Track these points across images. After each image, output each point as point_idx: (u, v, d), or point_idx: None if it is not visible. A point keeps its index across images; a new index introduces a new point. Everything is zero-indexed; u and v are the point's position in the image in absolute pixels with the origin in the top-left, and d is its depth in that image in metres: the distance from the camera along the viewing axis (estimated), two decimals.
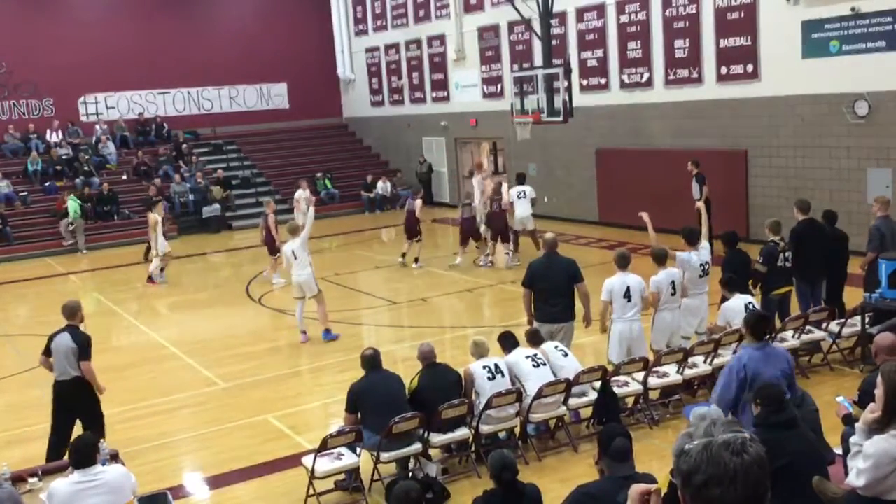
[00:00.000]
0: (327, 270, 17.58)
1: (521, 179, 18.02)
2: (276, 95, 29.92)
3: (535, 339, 8.57)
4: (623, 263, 9.27)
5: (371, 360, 7.64)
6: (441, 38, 25.51)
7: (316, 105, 30.01)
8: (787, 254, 10.17)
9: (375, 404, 7.36)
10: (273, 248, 16.19)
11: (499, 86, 23.36)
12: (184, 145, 27.40)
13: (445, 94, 25.85)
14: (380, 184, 27.12)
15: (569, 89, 17.02)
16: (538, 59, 19.99)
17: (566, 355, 8.51)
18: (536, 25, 18.45)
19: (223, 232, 24.49)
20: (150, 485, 7.15)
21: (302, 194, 18.76)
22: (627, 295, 9.05)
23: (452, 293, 15.11)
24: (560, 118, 16.79)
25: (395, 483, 6.49)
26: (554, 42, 19.00)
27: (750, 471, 1.97)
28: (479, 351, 8.09)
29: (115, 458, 6.67)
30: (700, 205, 12.16)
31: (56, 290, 18.20)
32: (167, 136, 27.62)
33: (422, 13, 26.18)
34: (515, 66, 21.19)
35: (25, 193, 24.09)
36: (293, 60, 29.14)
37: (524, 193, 17.26)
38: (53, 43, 25.60)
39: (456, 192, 26.41)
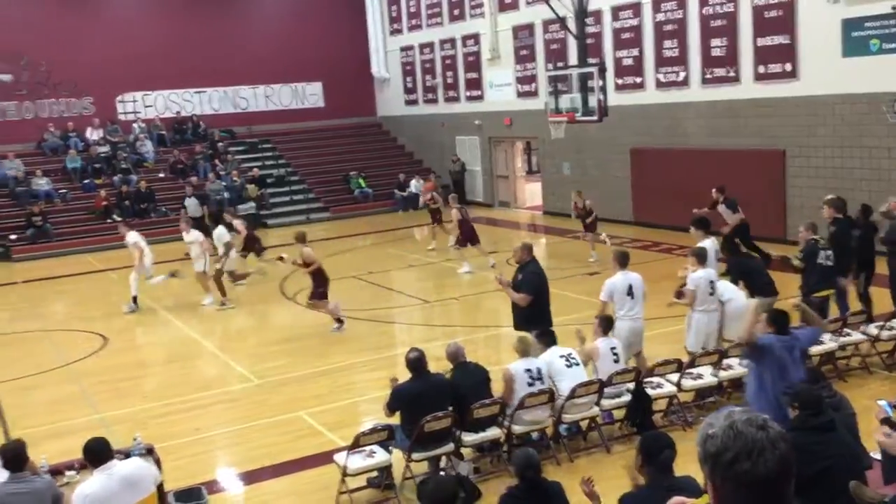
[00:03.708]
0: (360, 269, 17.68)
1: (217, 220, 17.78)
2: (311, 94, 30.11)
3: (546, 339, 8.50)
4: (623, 261, 9.27)
5: (417, 364, 7.51)
6: (475, 37, 25.49)
7: (350, 104, 30.15)
8: (828, 252, 10.01)
9: (419, 410, 7.28)
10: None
11: (533, 85, 23.28)
12: (220, 144, 27.70)
13: (479, 93, 25.83)
14: (413, 182, 27.17)
15: (604, 88, 16.90)
16: (573, 57, 19.89)
17: (616, 361, 8.43)
18: (571, 24, 18.35)
19: (258, 230, 24.63)
20: (185, 479, 7.22)
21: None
22: (630, 292, 9.01)
23: (484, 292, 15.08)
24: (595, 117, 16.69)
25: (428, 480, 6.49)
26: (589, 41, 18.88)
27: (777, 444, 2.02)
28: (524, 348, 7.97)
29: (150, 452, 6.76)
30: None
31: (94, 286, 18.49)
32: (203, 135, 27.92)
33: (456, 12, 26.19)
34: (550, 65, 21.11)
35: (65, 191, 24.49)
36: (328, 60, 29.30)
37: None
38: (93, 42, 26.00)
39: (489, 191, 26.38)
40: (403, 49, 29.27)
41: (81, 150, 25.79)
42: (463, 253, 16.99)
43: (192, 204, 21.51)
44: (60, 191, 24.42)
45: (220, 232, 15.73)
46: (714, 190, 15.15)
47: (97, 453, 5.75)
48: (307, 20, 29.25)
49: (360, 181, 27.23)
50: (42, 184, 24.23)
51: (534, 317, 9.17)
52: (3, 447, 6.00)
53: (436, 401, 7.38)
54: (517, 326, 9.34)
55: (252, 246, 17.48)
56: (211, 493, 7.10)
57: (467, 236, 16.99)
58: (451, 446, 7.50)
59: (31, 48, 25.40)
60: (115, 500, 5.58)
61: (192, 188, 23.68)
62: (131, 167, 25.72)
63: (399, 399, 7.41)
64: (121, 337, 13.66)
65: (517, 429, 7.82)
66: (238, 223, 17.50)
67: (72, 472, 6.46)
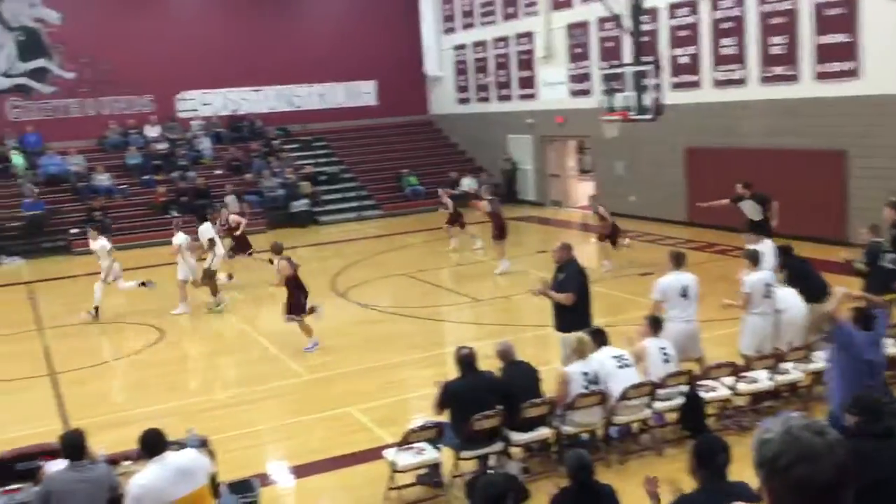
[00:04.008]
0: (411, 267, 17.75)
1: (203, 218, 16.67)
2: (364, 93, 30.32)
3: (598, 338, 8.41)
4: (679, 262, 9.11)
5: (467, 361, 7.52)
6: (529, 36, 25.39)
7: (403, 102, 30.29)
8: (893, 255, 9.74)
9: (468, 407, 7.27)
10: None
11: (586, 83, 23.11)
12: (275, 141, 28.06)
13: (532, 91, 25.73)
14: (465, 181, 27.18)
15: (659, 86, 16.70)
16: (628, 55, 19.71)
17: (667, 361, 8.33)
18: (627, 22, 18.17)
19: (310, 226, 24.95)
20: (237, 472, 7.32)
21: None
22: (685, 294, 8.86)
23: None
24: (649, 116, 16.50)
25: (478, 478, 6.49)
26: (644, 38, 18.67)
27: (835, 449, 1.99)
28: (582, 349, 7.90)
29: (204, 444, 6.88)
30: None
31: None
32: (259, 133, 28.32)
33: (510, 10, 26.12)
34: (604, 63, 20.93)
35: (125, 186, 25.05)
36: (382, 58, 29.48)
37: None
38: (154, 42, 26.54)
39: (541, 190, 26.27)
40: (456, 48, 29.30)
41: (141, 147, 26.36)
42: (502, 248, 16.74)
43: (230, 201, 21.68)
44: (120, 186, 24.99)
45: (204, 228, 15.78)
46: (739, 185, 14.56)
47: (152, 444, 5.87)
48: (362, 20, 29.46)
49: (412, 179, 27.34)
50: (103, 179, 24.83)
51: (576, 317, 9.03)
52: (63, 436, 6.16)
53: (485, 398, 7.37)
54: (558, 327, 9.26)
55: (242, 246, 17.44)
56: (262, 486, 7.19)
57: (499, 229, 16.74)
58: (500, 445, 7.49)
59: (95, 47, 26.06)
60: (169, 490, 5.69)
61: (232, 186, 23.87)
62: (189, 164, 26.22)
63: (448, 396, 7.42)
64: (176, 330, 13.92)
65: (567, 429, 7.77)
66: (234, 218, 17.58)
67: (128, 462, 6.59)
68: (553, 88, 24.70)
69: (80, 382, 11.34)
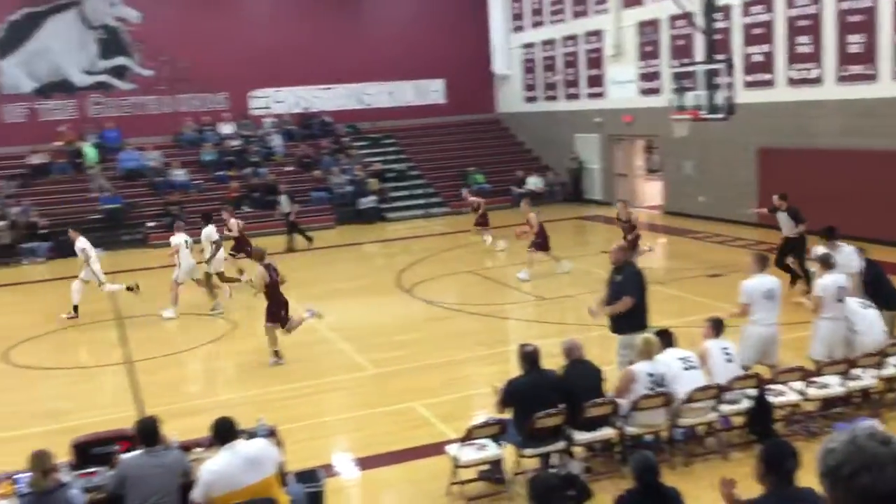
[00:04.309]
0: (476, 264, 17.81)
1: (208, 219, 16.41)
2: (433, 91, 30.50)
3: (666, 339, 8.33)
4: (763, 264, 8.95)
5: (531, 358, 7.54)
6: (598, 34, 25.19)
7: (471, 100, 30.38)
8: None
9: (532, 404, 7.30)
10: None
11: (656, 82, 22.83)
12: (344, 139, 28.45)
13: (600, 90, 25.52)
14: (531, 179, 27.14)
15: (731, 85, 16.42)
16: (699, 54, 19.41)
17: (730, 360, 8.23)
18: (699, 19, 17.90)
19: (377, 223, 25.22)
20: (303, 462, 7.48)
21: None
22: (770, 296, 8.71)
23: (597, 292, 14.92)
24: (721, 115, 16.23)
25: (537, 476, 6.52)
26: (717, 36, 18.37)
27: None
28: (648, 350, 7.85)
29: (273, 433, 7.06)
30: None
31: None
32: (329, 130, 28.74)
33: (579, 8, 25.96)
34: (675, 62, 20.64)
35: (199, 182, 25.73)
36: (450, 57, 29.62)
37: (188, 243, 15.30)
38: (229, 40, 27.17)
39: (608, 189, 26.05)
40: (525, 46, 29.24)
41: (216, 144, 27.04)
42: (532, 257, 16.30)
43: (283, 201, 21.79)
44: (195, 182, 25.66)
45: (208, 231, 15.84)
46: (776, 197, 14.13)
47: (223, 432, 6.07)
48: (431, 19, 29.64)
49: (478, 177, 27.39)
50: (178, 175, 25.54)
51: (633, 320, 8.94)
52: (138, 423, 6.40)
53: (548, 396, 7.39)
54: (614, 329, 9.20)
55: (243, 248, 17.23)
56: (327, 477, 7.34)
57: (542, 240, 16.35)
58: (562, 444, 7.50)
59: (173, 46, 26.84)
60: (238, 478, 5.88)
61: (284, 186, 24.04)
62: (261, 160, 26.78)
63: (511, 394, 7.46)
64: (246, 322, 14.24)
65: (631, 430, 7.74)
66: (233, 223, 17.34)
67: (200, 449, 6.80)
68: (622, 87, 24.45)
69: (154, 371, 11.71)
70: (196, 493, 5.92)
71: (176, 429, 6.97)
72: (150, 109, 27.48)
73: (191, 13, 27.20)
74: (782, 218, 13.84)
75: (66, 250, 22.15)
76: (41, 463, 5.80)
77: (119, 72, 27.16)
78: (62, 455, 6.36)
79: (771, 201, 14.50)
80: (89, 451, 6.67)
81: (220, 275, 15.89)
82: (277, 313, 11.74)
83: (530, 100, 29.42)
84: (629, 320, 8.91)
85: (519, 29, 29.55)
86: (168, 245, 15.76)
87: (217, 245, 15.70)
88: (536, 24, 28.43)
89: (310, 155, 27.27)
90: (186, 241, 15.15)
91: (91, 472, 6.46)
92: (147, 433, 6.20)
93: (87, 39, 26.77)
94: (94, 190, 24.59)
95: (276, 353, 11.70)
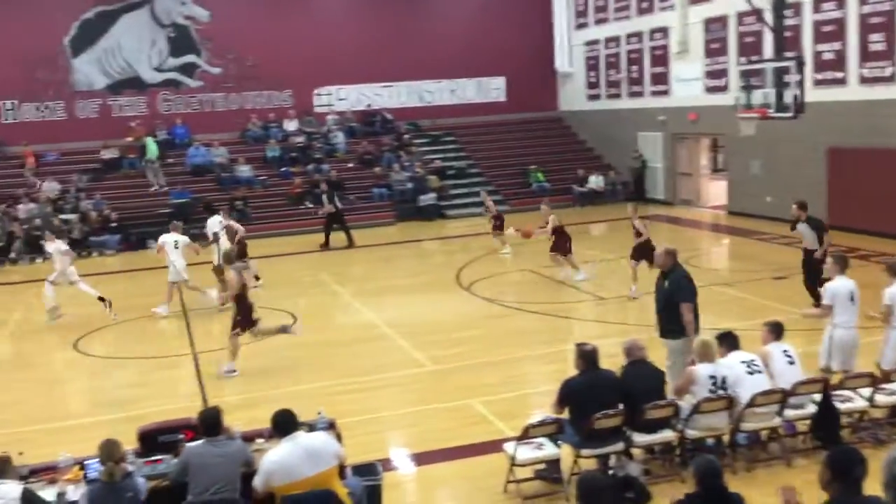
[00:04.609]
0: (535, 263, 17.73)
1: (211, 210, 16.95)
2: (494, 89, 30.46)
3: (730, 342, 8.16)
4: (843, 266, 8.72)
5: (589, 357, 7.49)
6: (664, 31, 24.85)
7: (532, 98, 30.26)
8: None
9: (589, 404, 7.25)
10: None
11: (723, 79, 22.42)
12: (405, 136, 28.61)
13: (665, 87, 25.17)
14: (592, 178, 26.91)
15: (800, 83, 16.02)
16: (768, 51, 18.99)
17: (792, 363, 8.07)
18: (768, 16, 17.52)
19: (437, 220, 25.30)
20: (361, 455, 7.56)
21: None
22: (852, 298, 8.50)
23: None
24: (789, 114, 15.86)
25: (584, 475, 6.46)
26: (786, 33, 17.94)
27: None
28: (706, 353, 7.73)
29: (332, 426, 7.15)
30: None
31: (285, 267, 19.63)
32: (390, 127, 28.94)
33: (645, 5, 25.64)
34: (743, 59, 20.24)
35: (264, 177, 26.16)
36: (512, 54, 29.54)
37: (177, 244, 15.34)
38: (294, 39, 27.57)
39: (670, 189, 25.68)
40: (588, 43, 28.99)
41: (280, 140, 27.46)
42: (561, 261, 16.04)
43: (325, 199, 21.70)
44: (260, 178, 26.10)
45: (212, 221, 15.99)
46: (795, 206, 12.97)
47: (284, 424, 6.17)
48: (493, 16, 29.61)
49: (539, 175, 27.27)
50: (244, 171, 26.02)
51: (681, 324, 8.74)
52: (201, 413, 6.54)
53: (605, 396, 7.34)
54: (662, 333, 9.06)
55: (240, 253, 16.64)
56: (385, 471, 7.40)
57: (560, 243, 15.97)
58: (620, 445, 7.43)
59: (240, 44, 27.38)
60: (299, 469, 5.97)
61: (324, 183, 23.65)
62: (324, 157, 27.10)
63: (568, 393, 7.42)
64: (308, 317, 14.42)
65: (692, 433, 7.62)
66: (234, 224, 17.02)
67: (261, 440, 6.92)
68: (687, 85, 24.08)
69: (219, 362, 11.95)
70: (257, 481, 6.04)
71: (238, 420, 7.11)
72: (218, 106, 28.04)
73: (257, 12, 27.67)
74: (803, 229, 12.74)
75: (137, 243, 22.87)
76: (112, 452, 5.99)
77: (188, 69, 27.77)
78: (128, 443, 6.53)
79: (853, 200, 13.89)
80: (155, 440, 6.84)
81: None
82: (247, 320, 11.40)
83: (593, 97, 29.16)
84: (677, 325, 8.77)
85: (583, 26, 29.30)
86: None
87: (215, 237, 15.76)
88: (600, 21, 28.16)
89: (371, 152, 27.50)
90: (176, 242, 15.03)
91: (156, 460, 6.63)
92: (210, 423, 6.34)
93: (157, 37, 27.45)
94: (152, 184, 25.21)
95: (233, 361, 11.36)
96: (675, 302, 8.76)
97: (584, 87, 29.54)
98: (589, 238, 21.67)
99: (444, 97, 30.09)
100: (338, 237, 21.54)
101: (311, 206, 24.47)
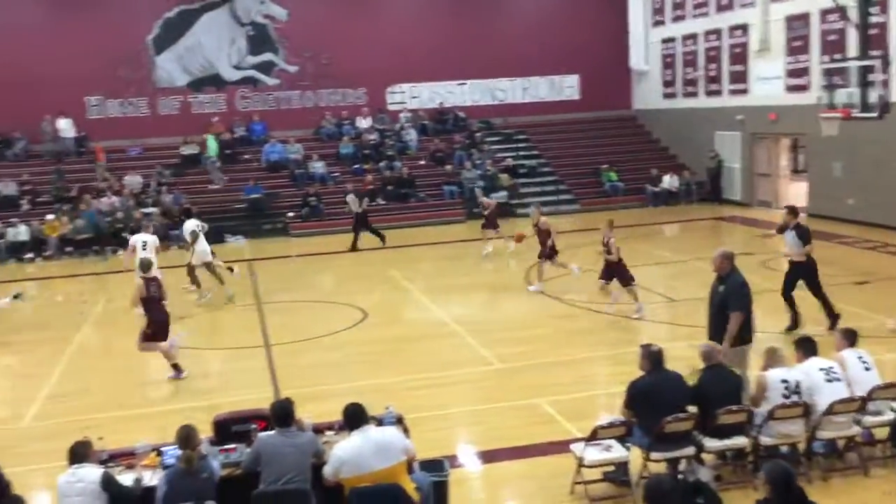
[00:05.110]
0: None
1: (188, 214, 17.57)
2: (567, 87, 30.25)
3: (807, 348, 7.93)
4: None
5: (655, 358, 7.43)
6: (744, 28, 24.30)
7: (606, 96, 29.95)
8: None
9: (656, 406, 7.18)
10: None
11: (805, 78, 21.80)
12: (477, 134, 28.62)
13: (744, 86, 24.61)
14: (666, 178, 26.49)
15: (886, 83, 15.48)
16: (851, 49, 18.39)
17: (868, 368, 7.83)
18: (852, 13, 16.97)
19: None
20: (428, 451, 7.60)
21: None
22: None
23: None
24: (874, 114, 15.35)
25: (651, 478, 6.38)
26: (872, 31, 17.35)
27: None
28: (774, 360, 7.59)
29: (400, 421, 7.21)
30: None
31: (356, 263, 19.87)
32: (462, 125, 29.00)
33: (724, 2, 25.13)
34: (825, 57, 19.65)
35: (337, 174, 26.51)
36: (586, 52, 29.28)
37: (202, 227, 16.47)
38: (368, 37, 27.87)
39: (748, 190, 25.10)
40: (665, 41, 28.54)
41: (353, 138, 27.79)
42: (545, 268, 15.63)
43: (350, 200, 21.32)
44: (333, 174, 26.46)
45: (189, 224, 16.27)
46: (785, 210, 12.31)
47: (355, 417, 6.26)
48: (567, 14, 29.41)
49: (612, 174, 26.97)
50: (317, 167, 26.42)
51: (738, 331, 8.46)
52: (273, 404, 6.68)
53: (671, 397, 7.26)
54: (713, 339, 8.81)
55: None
56: (452, 467, 7.43)
57: (552, 248, 15.52)
58: (691, 449, 7.31)
59: (316, 42, 27.81)
60: (367, 462, 6.05)
61: (352, 185, 23.53)
62: (396, 154, 27.32)
63: (635, 395, 7.35)
64: (378, 312, 14.59)
65: (766, 440, 7.45)
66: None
67: (331, 432, 7.03)
68: (767, 83, 23.50)
69: (290, 355, 12.19)
70: (327, 471, 6.15)
71: (309, 412, 7.23)
72: (293, 104, 28.54)
73: (334, 11, 28.05)
74: (789, 237, 11.95)
75: (214, 237, 23.43)
76: (190, 439, 6.18)
77: (265, 67, 28.33)
78: (202, 432, 6.70)
79: None
80: (228, 429, 6.99)
81: (208, 265, 16.03)
82: (155, 333, 11.21)
83: (669, 96, 28.70)
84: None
85: (659, 23, 28.86)
86: None
87: (194, 235, 15.94)
88: (678, 19, 27.69)
89: (442, 149, 27.60)
90: (145, 242, 15.16)
91: (230, 448, 6.78)
92: (281, 414, 6.47)
93: (237, 36, 28.07)
94: (214, 181, 25.76)
95: (177, 367, 11.33)
96: (728, 309, 8.52)
97: (660, 85, 29.08)
98: (661, 239, 21.35)
99: (517, 95, 30.01)
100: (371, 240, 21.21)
101: (382, 202, 24.72)
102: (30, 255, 22.20)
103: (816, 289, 11.81)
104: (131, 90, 27.27)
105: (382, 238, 21.13)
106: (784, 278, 12.08)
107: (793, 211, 12.16)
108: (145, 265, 11.64)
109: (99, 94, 27.06)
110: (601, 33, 29.42)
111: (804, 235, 11.84)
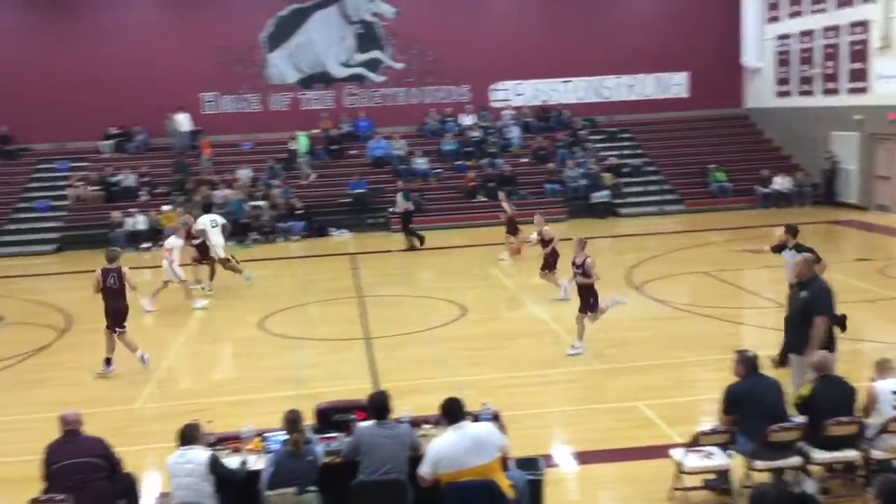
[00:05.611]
0: (711, 265, 17.12)
1: (207, 209, 17.83)
2: (674, 85, 29.58)
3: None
4: None
5: (750, 363, 7.31)
6: (864, 24, 23.23)
7: (716, 94, 29.14)
8: None
9: (755, 410, 7.04)
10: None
11: None
12: (580, 132, 28.33)
13: (863, 84, 23.53)
14: (777, 179, 25.60)
15: None
16: None
17: None
18: None
19: (609, 218, 24.91)
20: (523, 449, 7.61)
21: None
22: None
23: (851, 302, 13.80)
24: None
25: (766, 490, 6.19)
26: None
27: None
28: (884, 371, 7.31)
29: (496, 418, 7.24)
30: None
31: (457, 259, 20.00)
32: (566, 123, 28.76)
33: None
34: None
35: (439, 170, 26.73)
36: (695, 49, 28.56)
37: (216, 222, 16.76)
38: (473, 35, 27.99)
39: (865, 193, 23.99)
40: (780, 37, 27.55)
41: (456, 135, 27.96)
42: (549, 277, 15.13)
43: (399, 199, 21.38)
44: (435, 170, 26.69)
45: (202, 219, 16.59)
46: (784, 229, 11.33)
47: (452, 412, 6.32)
48: (676, 9, 28.79)
49: (719, 175, 26.23)
50: (420, 163, 26.69)
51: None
52: (371, 396, 6.81)
53: (769, 402, 7.10)
54: (792, 347, 8.39)
55: (202, 253, 16.90)
56: (548, 466, 7.40)
57: (554, 258, 15.00)
58: (797, 460, 7.06)
59: (422, 40, 28.11)
60: (464, 458, 6.11)
61: (402, 182, 23.54)
62: (498, 151, 27.33)
63: (732, 400, 7.19)
64: (477, 309, 14.64)
65: (877, 454, 7.13)
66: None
67: (428, 426, 7.12)
68: (889, 82, 22.39)
69: (390, 348, 12.38)
70: (423, 469, 6.21)
71: (406, 405, 7.33)
72: (399, 101, 28.92)
73: (440, 9, 28.29)
74: (788, 257, 10.82)
75: (319, 230, 24.02)
76: (297, 423, 6.40)
77: (372, 65, 28.80)
78: (305, 419, 6.89)
79: None
80: (329, 418, 7.19)
81: (224, 261, 16.70)
82: (112, 321, 11.59)
83: (782, 94, 27.70)
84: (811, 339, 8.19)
85: (774, 19, 27.88)
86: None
87: (202, 233, 16.28)
88: (794, 14, 26.68)
89: (545, 147, 27.44)
90: (213, 221, 16.41)
91: (331, 437, 6.96)
92: (378, 406, 6.60)
93: (346, 33, 28.64)
94: (302, 177, 26.28)
95: (108, 361, 11.56)
96: (812, 314, 8.22)
97: (774, 83, 28.10)
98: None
99: (622, 93, 29.53)
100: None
101: (483, 199, 24.77)
102: (146, 245, 23.22)
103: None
104: (244, 86, 28.20)
105: (421, 240, 21.15)
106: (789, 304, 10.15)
107: (792, 230, 11.18)
108: (110, 257, 11.87)
109: (214, 90, 28.09)
110: (711, 29, 28.65)
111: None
